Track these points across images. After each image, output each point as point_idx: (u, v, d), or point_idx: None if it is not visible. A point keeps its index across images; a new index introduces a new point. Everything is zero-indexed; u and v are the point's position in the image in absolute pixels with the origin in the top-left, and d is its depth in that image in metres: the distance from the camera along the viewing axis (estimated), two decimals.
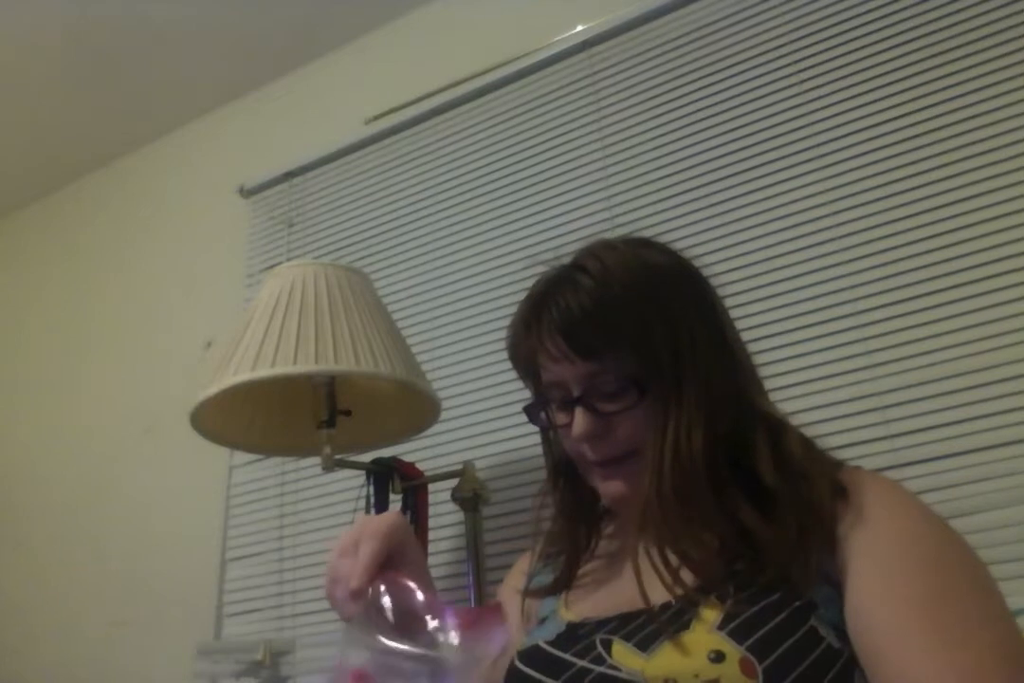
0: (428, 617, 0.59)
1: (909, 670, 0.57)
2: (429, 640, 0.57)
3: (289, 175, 2.09)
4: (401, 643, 0.58)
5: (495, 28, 1.93)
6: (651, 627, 0.66)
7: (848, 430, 1.26)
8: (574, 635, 0.71)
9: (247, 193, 2.14)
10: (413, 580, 0.61)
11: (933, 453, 1.20)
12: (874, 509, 0.66)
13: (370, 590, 0.61)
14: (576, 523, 0.83)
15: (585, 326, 0.74)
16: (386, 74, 2.08)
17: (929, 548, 0.64)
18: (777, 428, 0.74)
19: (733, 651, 0.60)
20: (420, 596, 0.60)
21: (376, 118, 1.99)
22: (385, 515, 0.67)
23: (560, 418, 0.78)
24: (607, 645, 0.67)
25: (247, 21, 2.10)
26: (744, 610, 0.63)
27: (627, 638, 0.67)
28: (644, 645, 0.65)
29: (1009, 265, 1.24)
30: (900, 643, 0.58)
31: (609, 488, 0.77)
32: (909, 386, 1.25)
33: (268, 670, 1.46)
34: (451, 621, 0.58)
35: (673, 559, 0.69)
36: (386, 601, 0.61)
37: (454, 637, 0.57)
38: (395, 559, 0.64)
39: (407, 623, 0.59)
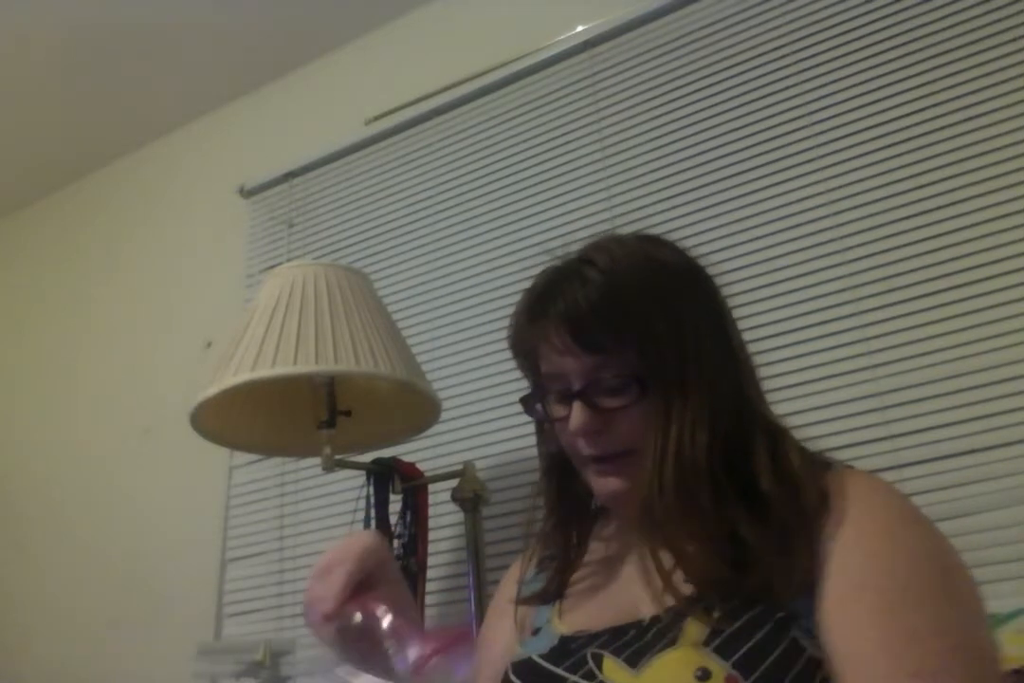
0: (389, 647, 0.59)
1: (864, 671, 0.58)
2: (390, 671, 0.58)
3: (289, 175, 2.09)
4: (360, 676, 0.58)
5: (495, 28, 1.93)
6: (640, 643, 0.66)
7: (848, 430, 1.26)
8: (567, 649, 0.71)
9: (247, 193, 2.14)
10: (386, 603, 0.62)
11: (933, 453, 1.20)
12: (853, 513, 0.66)
13: (343, 615, 0.61)
14: (568, 523, 0.82)
15: (591, 320, 0.73)
16: (386, 74, 2.08)
17: (902, 552, 0.64)
18: (776, 435, 0.74)
19: (719, 669, 0.60)
20: (386, 623, 0.60)
21: (376, 118, 1.99)
22: (361, 536, 0.67)
23: (558, 411, 0.77)
24: (598, 660, 0.67)
25: (247, 21, 2.10)
26: (728, 625, 0.63)
27: (617, 653, 0.67)
28: (633, 661, 0.65)
29: (1009, 265, 1.24)
30: (857, 653, 0.59)
31: (605, 485, 0.76)
32: (909, 386, 1.25)
33: (268, 670, 1.46)
34: (414, 651, 0.58)
35: (667, 562, 0.69)
36: (357, 624, 0.61)
37: (415, 671, 0.57)
38: (371, 580, 0.63)
39: (376, 647, 0.59)
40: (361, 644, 0.62)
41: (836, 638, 0.61)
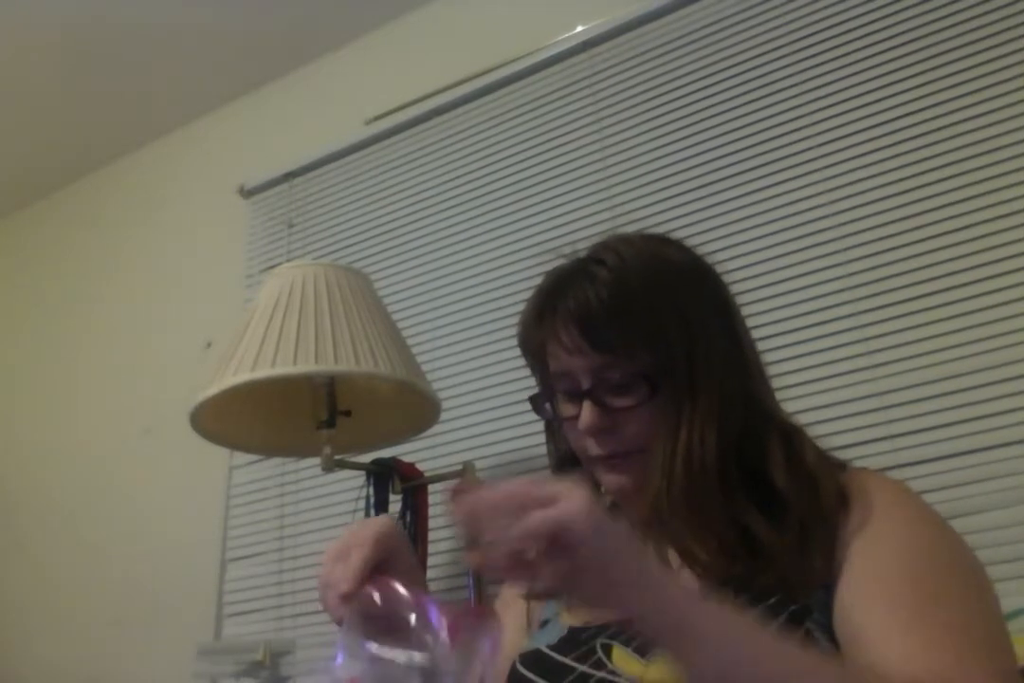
0: (412, 617, 0.58)
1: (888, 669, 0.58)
2: (418, 643, 0.57)
3: (289, 175, 2.09)
4: (392, 649, 0.57)
5: (495, 28, 1.93)
6: None
7: (849, 430, 1.26)
8: (575, 639, 0.71)
9: (247, 193, 2.14)
10: (403, 584, 0.61)
11: (934, 453, 1.20)
12: (874, 512, 0.66)
13: (361, 595, 0.61)
14: None
15: (600, 318, 0.73)
16: (386, 74, 2.08)
17: (922, 550, 0.64)
18: (790, 434, 0.74)
19: None
20: (408, 597, 0.60)
21: (376, 118, 1.99)
22: (376, 520, 0.67)
23: (566, 410, 0.77)
24: (607, 650, 0.67)
25: (247, 21, 2.10)
26: None
27: (627, 643, 0.67)
28: (643, 651, 0.65)
29: (1009, 265, 1.24)
30: (882, 644, 0.59)
31: (611, 481, 0.76)
32: (909, 386, 1.25)
33: (268, 670, 1.46)
34: (440, 623, 0.57)
35: (674, 561, 0.69)
36: (377, 603, 0.61)
37: (444, 640, 0.56)
38: (387, 564, 0.64)
39: (398, 627, 0.59)
40: (379, 625, 0.62)
41: (854, 637, 0.61)
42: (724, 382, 0.72)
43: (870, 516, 0.66)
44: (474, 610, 0.59)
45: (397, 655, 0.57)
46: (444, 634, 0.56)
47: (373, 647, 0.58)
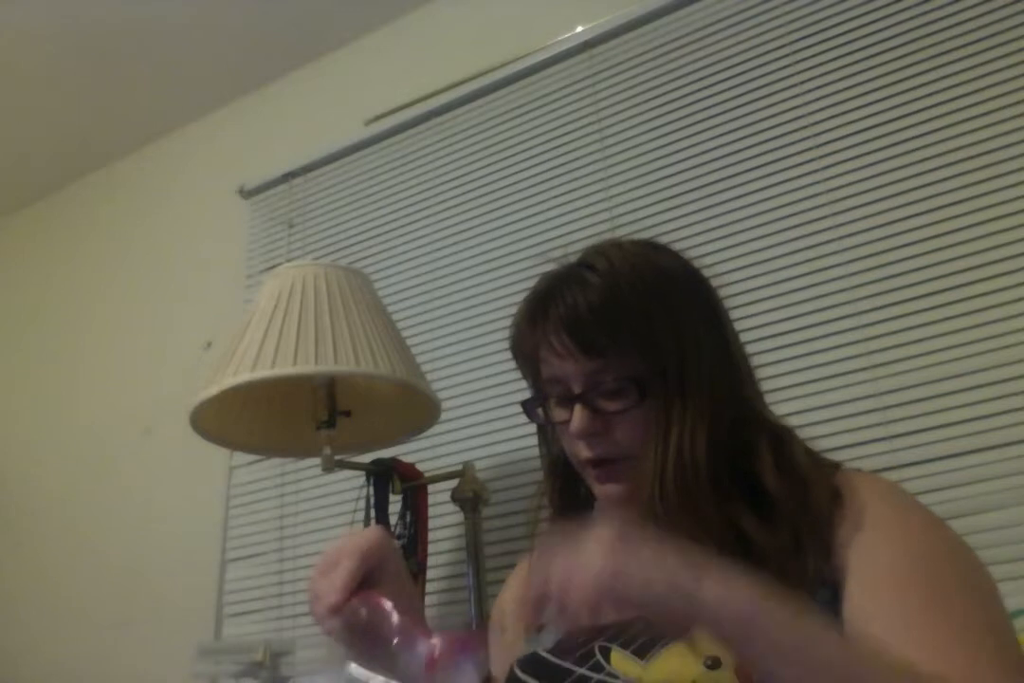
0: (395, 642, 0.59)
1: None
2: (399, 670, 0.58)
3: (289, 176, 2.09)
4: (372, 673, 0.58)
5: (495, 29, 1.93)
6: (648, 634, 0.66)
7: (848, 430, 1.26)
8: (573, 642, 0.71)
9: (247, 194, 2.14)
10: (390, 599, 0.62)
11: (933, 454, 1.20)
12: (870, 515, 0.66)
13: (349, 608, 0.62)
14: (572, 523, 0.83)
15: (591, 323, 0.73)
16: (386, 74, 2.08)
17: (924, 555, 0.64)
18: (780, 435, 0.74)
19: (729, 657, 0.60)
20: (394, 619, 0.61)
21: (376, 119, 1.99)
22: (366, 532, 0.67)
23: (559, 414, 0.78)
24: (605, 652, 0.67)
25: (247, 21, 2.10)
26: None
27: (625, 645, 0.67)
28: (642, 652, 0.65)
29: (1009, 266, 1.24)
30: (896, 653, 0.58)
31: (605, 490, 0.76)
32: (909, 387, 1.25)
33: (268, 670, 1.46)
34: (424, 649, 0.58)
35: None
36: (363, 618, 0.61)
37: (423, 672, 0.57)
38: (375, 576, 0.64)
39: (383, 643, 0.60)
40: (366, 639, 0.62)
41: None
42: (714, 385, 0.73)
43: (867, 520, 0.66)
44: (459, 638, 0.59)
45: (376, 679, 0.58)
46: (424, 663, 0.57)
47: (353, 668, 0.58)
